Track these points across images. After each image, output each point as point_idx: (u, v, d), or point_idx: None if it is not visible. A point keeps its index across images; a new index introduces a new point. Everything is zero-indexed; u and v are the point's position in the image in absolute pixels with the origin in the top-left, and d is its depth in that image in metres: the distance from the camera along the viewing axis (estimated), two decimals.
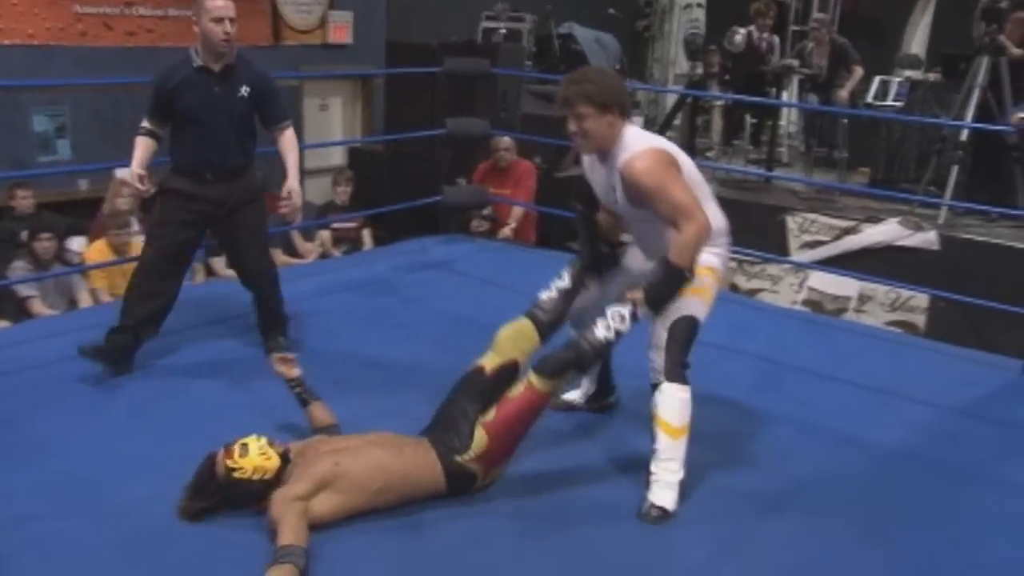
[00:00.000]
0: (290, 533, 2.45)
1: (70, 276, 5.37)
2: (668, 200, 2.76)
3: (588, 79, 2.86)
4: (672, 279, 2.80)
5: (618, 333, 2.82)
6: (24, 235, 5.54)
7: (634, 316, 2.81)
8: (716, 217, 2.93)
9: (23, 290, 5.09)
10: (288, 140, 3.85)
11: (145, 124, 3.72)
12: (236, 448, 2.63)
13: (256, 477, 2.61)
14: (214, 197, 3.70)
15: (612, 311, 2.83)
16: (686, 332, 2.86)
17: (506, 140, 6.19)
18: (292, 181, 3.81)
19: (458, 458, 2.79)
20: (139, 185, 3.67)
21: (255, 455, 2.63)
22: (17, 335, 4.27)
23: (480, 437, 2.79)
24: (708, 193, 2.96)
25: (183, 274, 3.86)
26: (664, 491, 2.83)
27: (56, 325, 4.44)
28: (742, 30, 8.28)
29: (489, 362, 2.98)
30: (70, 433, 3.21)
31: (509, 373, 2.96)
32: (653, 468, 2.85)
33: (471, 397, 2.90)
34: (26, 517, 2.67)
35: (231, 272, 5.94)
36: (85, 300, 5.37)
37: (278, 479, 2.64)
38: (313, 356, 3.71)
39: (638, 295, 2.81)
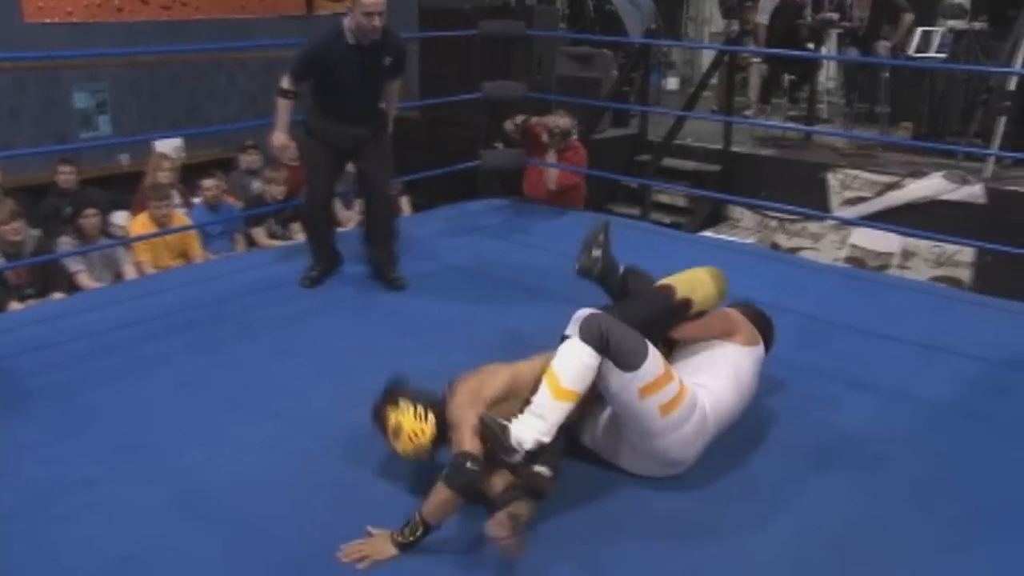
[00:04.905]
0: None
1: (115, 250, 5.45)
2: None
3: None
4: None
5: None
6: (69, 211, 5.63)
7: None
8: None
9: (71, 265, 5.19)
10: (396, 90, 4.62)
11: (288, 87, 4.21)
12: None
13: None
14: (354, 133, 4.34)
15: None
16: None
17: (564, 122, 5.74)
18: (390, 125, 4.57)
19: None
20: (286, 157, 4.47)
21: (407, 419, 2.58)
22: (66, 308, 4.34)
23: None
24: None
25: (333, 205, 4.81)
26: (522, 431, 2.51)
27: (103, 297, 4.52)
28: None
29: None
30: (121, 402, 3.27)
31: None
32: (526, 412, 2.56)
33: None
34: (87, 480, 2.75)
35: (272, 242, 6.05)
36: (130, 273, 5.45)
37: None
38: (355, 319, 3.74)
39: None
